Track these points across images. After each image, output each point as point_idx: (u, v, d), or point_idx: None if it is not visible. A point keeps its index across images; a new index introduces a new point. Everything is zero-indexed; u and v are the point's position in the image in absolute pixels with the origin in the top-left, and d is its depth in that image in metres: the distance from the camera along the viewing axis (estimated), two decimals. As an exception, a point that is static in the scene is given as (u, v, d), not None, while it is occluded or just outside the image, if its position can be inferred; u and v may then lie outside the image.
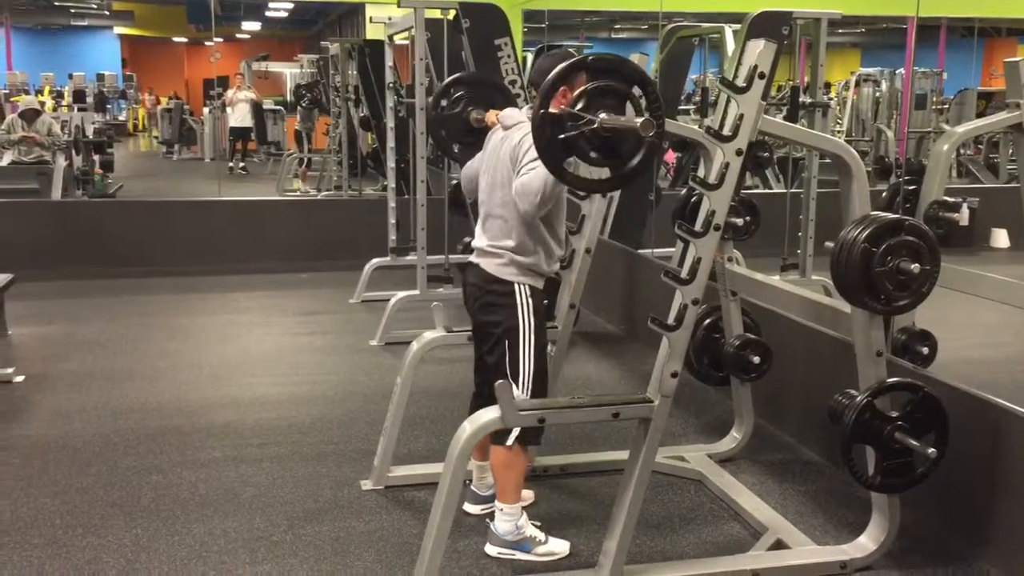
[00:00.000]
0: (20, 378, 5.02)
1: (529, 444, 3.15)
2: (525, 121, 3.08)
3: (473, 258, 3.25)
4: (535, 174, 2.88)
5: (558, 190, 2.96)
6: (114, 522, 3.41)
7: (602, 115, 2.55)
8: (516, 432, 3.02)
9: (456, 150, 3.86)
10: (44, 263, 7.45)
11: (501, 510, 3.14)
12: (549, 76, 2.65)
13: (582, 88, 2.60)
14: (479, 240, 3.23)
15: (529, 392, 3.10)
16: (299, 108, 12.90)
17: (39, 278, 7.10)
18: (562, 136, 2.57)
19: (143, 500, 3.60)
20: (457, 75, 3.92)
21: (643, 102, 2.61)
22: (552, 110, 2.58)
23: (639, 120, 2.49)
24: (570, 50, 3.29)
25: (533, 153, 2.78)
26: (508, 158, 3.07)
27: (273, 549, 3.23)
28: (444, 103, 3.79)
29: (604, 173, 2.71)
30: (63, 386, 4.96)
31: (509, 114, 3.22)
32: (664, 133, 2.66)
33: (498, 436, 3.03)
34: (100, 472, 3.86)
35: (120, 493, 3.67)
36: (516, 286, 3.12)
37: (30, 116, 9.41)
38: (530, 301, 3.12)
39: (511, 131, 3.12)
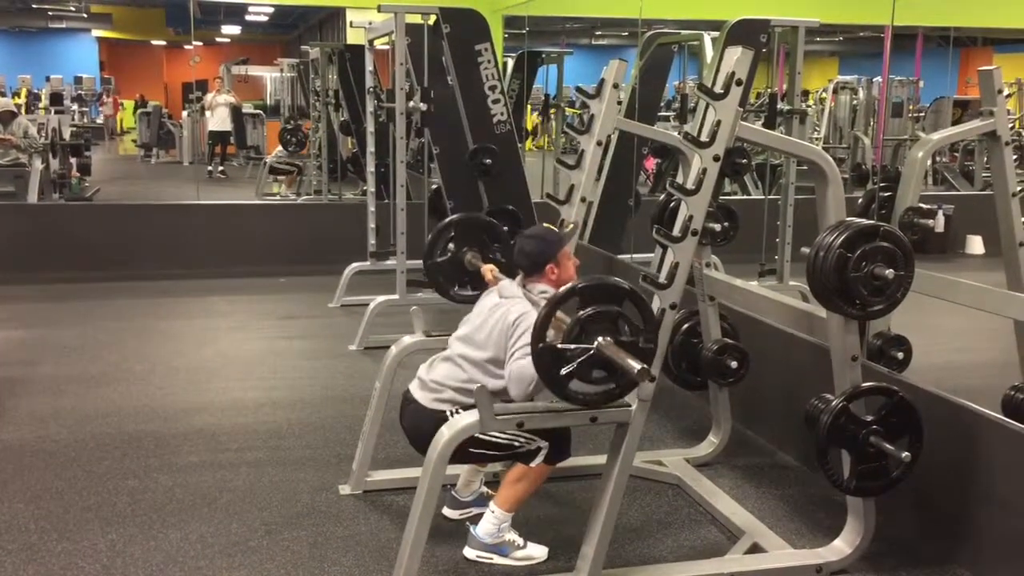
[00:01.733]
0: (-5, 382, 4.98)
1: (558, 462, 3.10)
2: (521, 298, 3.13)
3: (412, 388, 3.21)
4: (530, 362, 2.81)
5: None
6: (90, 527, 3.39)
7: (599, 341, 2.65)
8: (542, 456, 3.01)
9: (455, 292, 4.02)
10: (20, 266, 7.39)
11: (493, 512, 3.14)
12: (541, 311, 2.69)
13: (577, 317, 2.67)
14: (423, 371, 3.21)
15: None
16: (287, 149, 12.69)
17: (14, 281, 7.05)
18: (563, 372, 2.66)
19: (119, 505, 3.58)
20: (448, 219, 4.10)
21: (638, 321, 2.71)
22: (552, 331, 2.66)
23: (636, 367, 2.56)
24: (549, 227, 3.34)
25: (527, 339, 2.78)
26: (497, 331, 3.06)
27: (250, 554, 3.22)
28: (439, 247, 3.98)
29: (607, 385, 2.76)
30: (38, 390, 4.92)
31: (507, 286, 3.23)
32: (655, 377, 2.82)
33: (523, 458, 3.03)
34: (76, 477, 3.84)
35: (96, 498, 3.64)
36: (448, 413, 3.05)
37: (6, 118, 9.32)
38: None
39: (506, 303, 3.12)
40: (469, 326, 3.21)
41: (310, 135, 11.74)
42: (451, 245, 3.97)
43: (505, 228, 4.11)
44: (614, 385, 2.75)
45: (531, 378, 2.88)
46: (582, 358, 2.66)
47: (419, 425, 3.11)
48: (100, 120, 20.00)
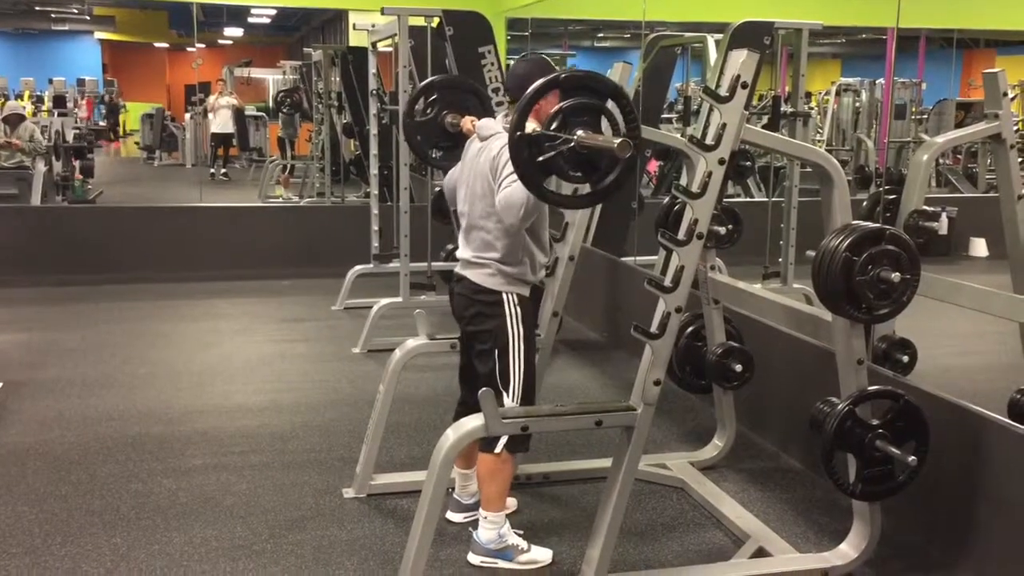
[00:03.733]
0: (-2, 385, 4.98)
1: (517, 451, 3.14)
2: (501, 132, 3.08)
3: (459, 269, 3.24)
4: (516, 187, 2.86)
5: (541, 202, 2.97)
6: (93, 531, 3.39)
7: (579, 133, 2.55)
8: (504, 440, 3.01)
9: (433, 155, 3.84)
10: (23, 269, 7.40)
11: (485, 518, 3.14)
12: (522, 97, 2.61)
13: (557, 107, 2.58)
14: (463, 251, 3.22)
15: (519, 399, 3.10)
16: (280, 114, 12.84)
17: (18, 284, 7.05)
18: (540, 159, 2.57)
19: (123, 508, 3.58)
20: (430, 79, 3.91)
21: (618, 116, 2.61)
22: (528, 130, 2.57)
23: (616, 141, 2.47)
24: (544, 56, 3.29)
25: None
26: (487, 169, 3.07)
27: (254, 558, 3.22)
28: (418, 108, 3.78)
29: (584, 188, 2.71)
30: (42, 393, 4.92)
31: (486, 124, 3.21)
32: (640, 149, 2.66)
33: (486, 444, 3.02)
34: (79, 480, 3.83)
35: (99, 501, 3.64)
36: (504, 295, 3.11)
37: (13, 121, 9.32)
38: (518, 310, 3.12)
39: (488, 142, 3.12)
40: (467, 183, 3.19)
41: (312, 137, 11.74)
42: (431, 108, 3.75)
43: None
44: (591, 188, 2.66)
45: (521, 201, 2.87)
46: (561, 148, 2.55)
47: (472, 297, 3.16)
48: (103, 123, 20.01)
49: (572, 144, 2.54)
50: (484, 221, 3.12)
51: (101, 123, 19.78)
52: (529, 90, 2.61)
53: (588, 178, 2.64)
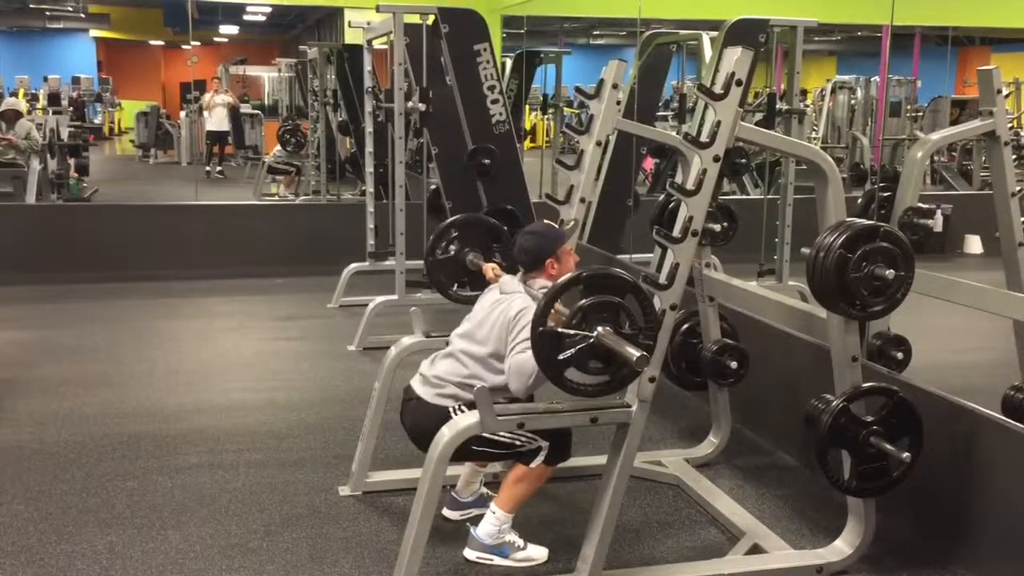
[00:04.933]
0: (-7, 383, 4.97)
1: (557, 463, 3.10)
2: (522, 293, 3.14)
3: (414, 383, 3.21)
4: (530, 356, 2.82)
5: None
6: (89, 529, 3.38)
7: (599, 330, 2.65)
8: (542, 457, 3.01)
9: (455, 291, 4.04)
10: (18, 267, 7.38)
11: (493, 513, 3.13)
12: (543, 298, 2.69)
13: (579, 305, 2.67)
14: (426, 368, 3.21)
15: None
16: (284, 149, 12.69)
17: (12, 282, 7.04)
18: (561, 357, 2.65)
19: (118, 507, 3.58)
20: (451, 219, 4.15)
21: (637, 311, 2.71)
22: (551, 321, 2.65)
23: (635, 355, 2.57)
24: (550, 224, 3.36)
25: (527, 333, 2.77)
26: (499, 325, 3.07)
27: (250, 556, 3.22)
28: (440, 247, 4.01)
29: (603, 376, 2.75)
30: (37, 391, 4.91)
31: (508, 281, 3.24)
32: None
33: (524, 458, 3.02)
34: (75, 478, 3.83)
35: (95, 499, 3.63)
36: (450, 409, 3.07)
37: (10, 117, 9.30)
38: (464, 408, 3.04)
39: (508, 298, 3.13)
40: (471, 323, 3.21)
41: (309, 135, 11.73)
42: (452, 245, 3.99)
43: (505, 228, 4.12)
44: (610, 377, 2.74)
45: (531, 371, 2.88)
46: (581, 345, 2.65)
47: (420, 421, 3.10)
48: (98, 120, 19.99)
49: (593, 341, 2.66)
50: (466, 359, 3.12)
51: (96, 120, 19.74)
52: (553, 287, 2.74)
53: (607, 370, 2.72)
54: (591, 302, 2.68)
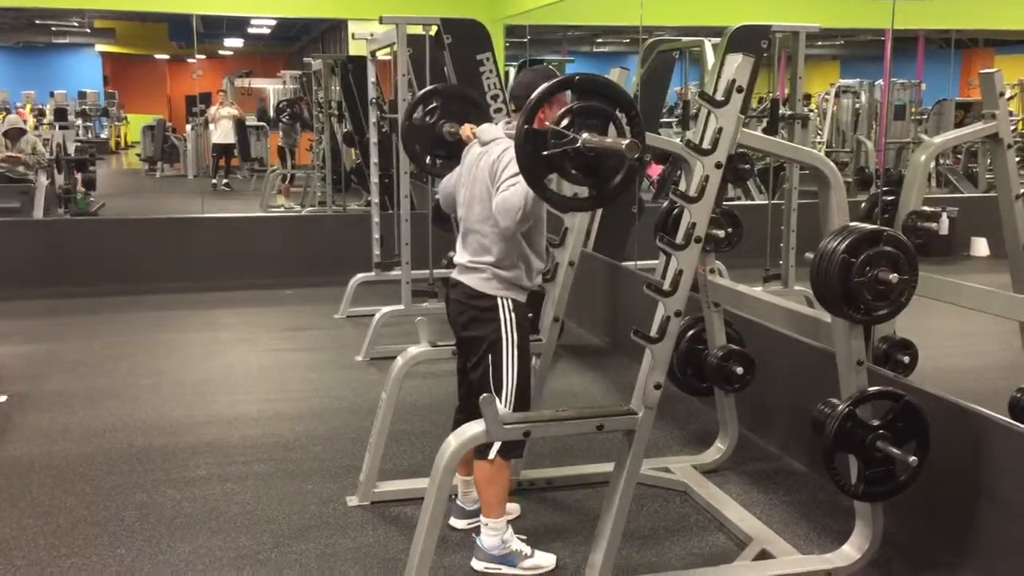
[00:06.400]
0: (2, 398, 4.99)
1: (511, 457, 3.15)
2: (502, 137, 3.11)
3: (455, 274, 3.26)
4: (515, 190, 2.89)
5: (538, 207, 2.98)
6: (98, 542, 3.40)
7: (585, 135, 2.56)
8: (497, 446, 3.02)
9: (429, 163, 3.83)
10: (26, 282, 7.42)
11: (487, 525, 3.14)
12: (535, 92, 2.64)
13: (567, 107, 2.60)
14: (460, 256, 3.24)
15: (512, 406, 3.11)
16: (280, 123, 12.90)
17: (21, 297, 7.07)
18: (545, 153, 2.57)
19: (127, 519, 3.59)
20: (430, 87, 3.91)
21: (625, 125, 2.62)
22: (535, 127, 2.59)
23: (624, 142, 2.49)
24: (551, 68, 3.32)
25: (512, 169, 2.79)
26: (486, 174, 3.09)
27: (259, 567, 3.23)
28: (417, 115, 3.77)
29: (583, 191, 2.72)
30: (46, 405, 4.93)
31: (486, 129, 3.23)
32: (644, 155, 2.67)
33: (480, 451, 3.03)
34: (83, 492, 3.84)
35: (104, 513, 3.65)
36: (499, 300, 3.13)
37: (14, 135, 9.37)
38: (513, 315, 3.14)
39: (489, 146, 3.14)
40: (467, 187, 3.21)
41: (313, 147, 11.78)
42: (430, 115, 3.72)
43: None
44: (592, 191, 2.67)
45: (517, 206, 2.89)
46: (566, 146, 2.55)
47: (468, 303, 3.17)
48: (104, 135, 20.07)
49: (578, 144, 2.55)
50: (481, 225, 3.14)
51: (103, 135, 19.82)
52: (543, 86, 2.64)
53: (588, 180, 2.64)
54: (581, 105, 2.59)
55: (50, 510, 3.67)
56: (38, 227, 8.43)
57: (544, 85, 2.66)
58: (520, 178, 2.74)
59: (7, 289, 6.48)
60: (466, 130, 3.47)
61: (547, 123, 2.59)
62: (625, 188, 2.65)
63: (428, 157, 3.80)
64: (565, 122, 2.57)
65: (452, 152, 3.61)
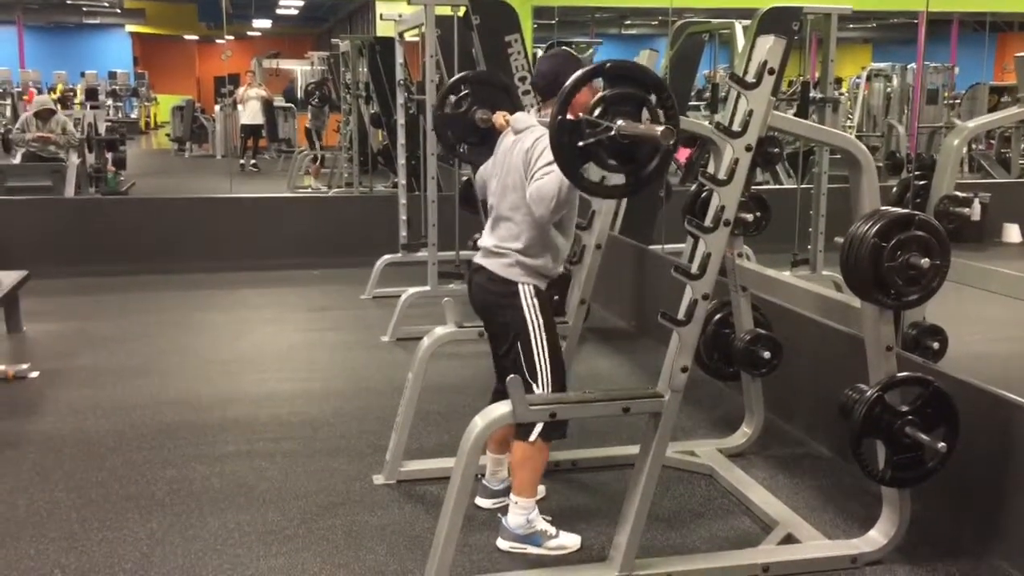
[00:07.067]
0: (35, 374, 5.06)
1: (553, 439, 3.15)
2: (536, 125, 3.11)
3: (479, 258, 3.27)
4: (550, 179, 2.89)
5: (572, 194, 2.99)
6: (129, 516, 3.45)
7: (619, 122, 2.55)
8: (539, 428, 3.03)
9: (461, 150, 3.86)
10: (58, 260, 7.50)
11: (516, 503, 3.16)
12: (568, 82, 2.63)
13: (600, 95, 2.59)
14: (486, 240, 3.24)
15: (549, 387, 3.11)
16: (309, 106, 12.96)
17: (53, 275, 7.15)
18: (581, 144, 2.57)
19: (158, 494, 3.64)
20: (462, 74, 3.92)
21: (658, 109, 2.61)
22: (569, 116, 2.58)
23: (659, 129, 2.49)
24: (569, 50, 3.31)
25: (547, 157, 2.79)
26: (520, 162, 3.09)
27: (287, 543, 3.26)
28: (449, 102, 3.79)
29: (619, 179, 2.72)
30: (77, 381, 5.00)
31: (520, 118, 3.24)
32: (678, 140, 2.66)
33: (522, 432, 3.04)
34: (114, 466, 3.90)
35: (135, 487, 3.70)
36: (520, 286, 3.13)
37: (45, 116, 9.47)
38: (535, 300, 3.13)
39: (522, 135, 3.14)
40: (498, 175, 3.22)
41: (340, 128, 11.81)
42: (463, 102, 3.76)
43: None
44: (628, 178, 2.67)
45: (552, 194, 2.90)
46: (601, 136, 2.56)
47: (489, 288, 3.18)
48: (135, 115, 20.22)
49: (613, 132, 2.55)
50: (513, 213, 3.14)
51: (132, 115, 19.98)
52: (574, 76, 2.64)
53: (624, 168, 2.64)
54: (613, 93, 2.59)
55: (82, 484, 3.73)
56: (69, 206, 8.52)
57: (576, 75, 2.64)
58: (554, 167, 2.74)
59: (38, 267, 6.55)
60: (499, 118, 3.47)
61: (580, 113, 2.59)
62: (661, 173, 2.66)
63: (461, 144, 3.82)
64: (599, 111, 2.56)
65: (484, 138, 3.62)
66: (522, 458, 3.12)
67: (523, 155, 3.07)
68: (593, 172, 2.71)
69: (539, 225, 3.08)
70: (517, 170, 3.10)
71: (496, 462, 3.48)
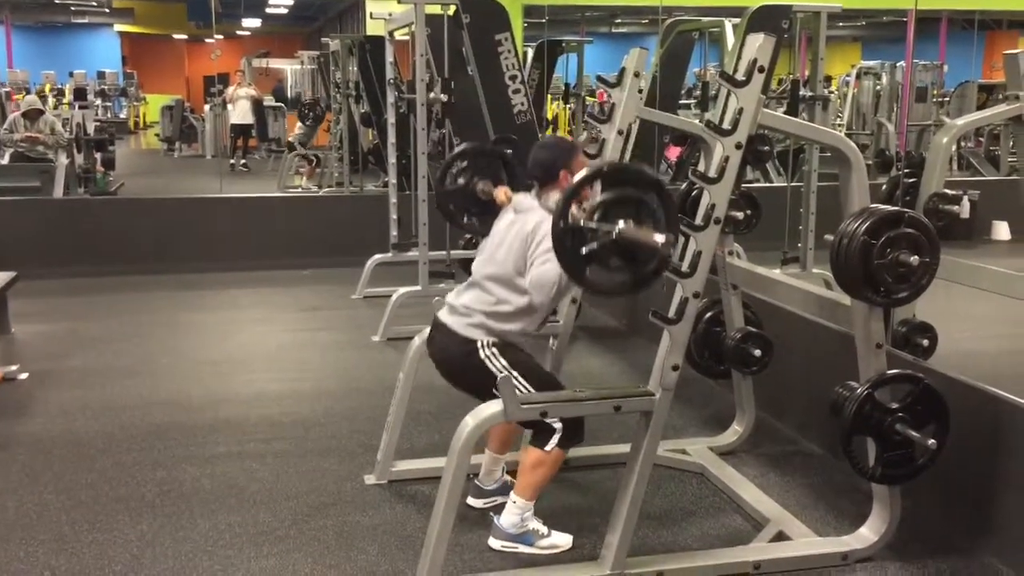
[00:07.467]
0: (24, 375, 5.04)
1: (571, 446, 3.11)
2: (537, 208, 3.14)
3: (442, 314, 3.24)
4: (550, 267, 2.90)
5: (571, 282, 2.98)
6: (119, 518, 3.43)
7: (620, 225, 2.60)
8: (557, 438, 3.01)
9: (466, 221, 3.97)
10: (46, 261, 7.47)
11: (514, 502, 3.15)
12: (566, 189, 2.66)
13: (600, 199, 2.62)
14: (453, 298, 3.23)
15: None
16: (304, 125, 12.90)
17: (42, 276, 7.12)
18: (583, 250, 2.61)
19: (148, 496, 3.62)
20: (461, 148, 4.02)
21: (657, 207, 2.65)
22: (571, 214, 2.60)
23: (661, 239, 2.54)
24: (563, 137, 3.35)
25: (547, 244, 2.79)
26: (517, 242, 3.09)
27: (278, 543, 3.25)
28: (450, 176, 3.90)
29: (622, 276, 2.72)
30: (67, 383, 4.98)
31: (522, 200, 3.25)
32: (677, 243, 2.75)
33: (538, 440, 3.04)
34: (104, 468, 3.88)
35: (125, 489, 3.68)
36: (478, 343, 3.10)
37: (33, 116, 9.43)
38: (493, 350, 3.09)
39: (523, 215, 3.15)
40: (489, 248, 3.23)
41: (331, 127, 11.79)
42: (462, 175, 3.88)
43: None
44: (630, 276, 2.69)
45: (552, 282, 2.93)
46: (604, 240, 2.59)
47: (448, 351, 3.16)
48: (123, 115, 20.15)
49: (614, 237, 2.60)
50: (490, 284, 3.14)
51: (121, 115, 19.91)
52: (576, 180, 2.68)
53: (626, 268, 2.68)
54: (612, 196, 2.62)
55: (71, 486, 3.71)
56: (57, 206, 8.48)
57: (575, 181, 2.68)
58: (553, 254, 2.75)
59: (27, 268, 6.52)
60: (500, 194, 3.56)
61: (583, 202, 2.63)
62: (660, 273, 2.70)
63: (464, 216, 3.93)
64: (598, 215, 2.60)
65: (486, 209, 3.71)
66: (535, 462, 3.09)
67: (522, 236, 3.08)
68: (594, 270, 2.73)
69: (525, 307, 3.08)
70: (510, 247, 3.11)
71: (494, 461, 3.48)
